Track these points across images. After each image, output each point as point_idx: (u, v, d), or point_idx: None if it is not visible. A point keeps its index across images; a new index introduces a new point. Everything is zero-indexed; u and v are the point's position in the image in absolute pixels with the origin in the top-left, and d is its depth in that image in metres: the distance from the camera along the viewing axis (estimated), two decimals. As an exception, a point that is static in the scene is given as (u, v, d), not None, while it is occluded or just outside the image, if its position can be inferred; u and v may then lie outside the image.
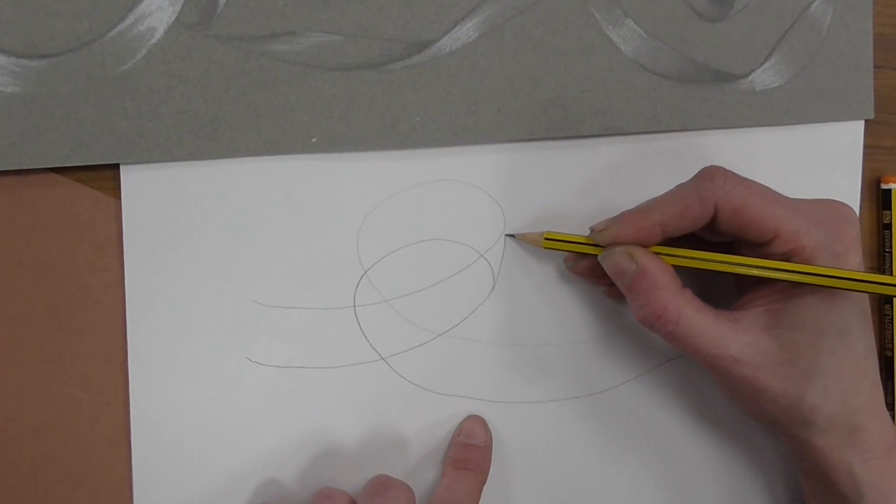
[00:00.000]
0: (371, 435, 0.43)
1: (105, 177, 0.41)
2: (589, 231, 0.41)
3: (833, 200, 0.40)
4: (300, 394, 0.43)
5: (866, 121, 0.46)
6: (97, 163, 0.40)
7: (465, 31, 0.42)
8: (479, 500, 0.42)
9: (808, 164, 0.46)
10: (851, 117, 0.46)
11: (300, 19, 0.41)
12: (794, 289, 0.38)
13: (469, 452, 0.43)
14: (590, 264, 0.42)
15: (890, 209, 0.46)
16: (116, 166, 0.41)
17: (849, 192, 0.46)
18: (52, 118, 0.39)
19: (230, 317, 0.42)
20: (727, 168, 0.39)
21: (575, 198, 0.44)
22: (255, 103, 0.41)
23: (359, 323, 0.43)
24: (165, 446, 0.42)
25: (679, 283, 0.39)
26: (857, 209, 0.46)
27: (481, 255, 0.44)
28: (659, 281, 0.38)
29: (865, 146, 0.46)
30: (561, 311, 0.44)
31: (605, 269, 0.40)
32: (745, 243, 0.39)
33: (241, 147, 0.41)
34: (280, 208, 0.42)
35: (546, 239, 0.42)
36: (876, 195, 0.47)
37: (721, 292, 0.43)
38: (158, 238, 0.41)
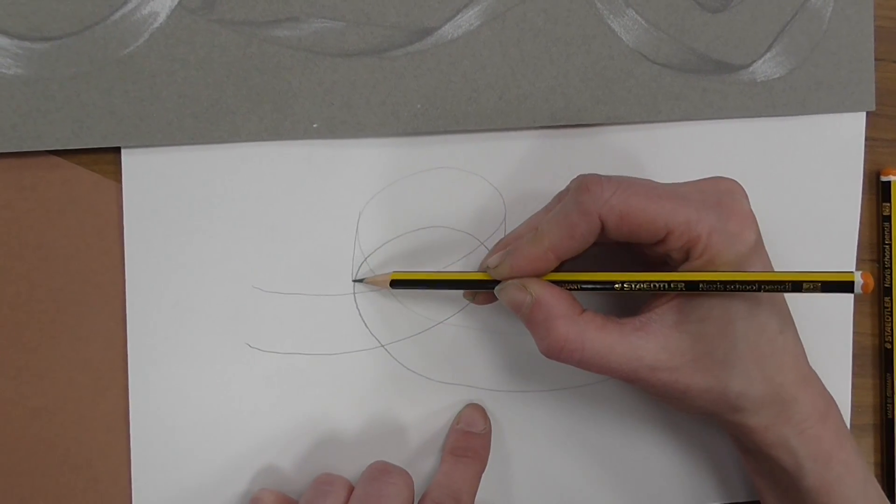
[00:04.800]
0: (370, 422, 0.43)
1: (106, 160, 0.41)
2: (483, 268, 0.40)
3: (719, 178, 0.39)
4: (299, 380, 0.43)
5: (867, 113, 0.46)
6: (98, 146, 0.40)
7: (467, 19, 0.42)
8: (477, 488, 0.42)
9: (809, 156, 0.46)
10: (852, 109, 0.46)
11: (302, 5, 0.41)
12: None
13: (468, 440, 0.43)
14: (489, 295, 0.41)
15: (889, 201, 0.46)
16: (118, 150, 0.41)
17: (849, 183, 0.46)
18: (54, 101, 0.40)
19: (230, 302, 0.42)
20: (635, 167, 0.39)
21: (575, 186, 0.44)
22: (256, 88, 0.41)
23: (358, 310, 0.43)
24: (164, 431, 0.42)
25: (578, 309, 0.38)
26: (858, 200, 0.46)
27: (481, 244, 0.44)
28: (555, 310, 0.37)
29: (866, 138, 0.46)
30: (561, 300, 0.44)
31: (503, 303, 0.39)
32: (642, 245, 0.38)
33: (242, 132, 0.41)
34: (281, 194, 0.42)
35: (393, 280, 0.41)
36: (876, 187, 0.47)
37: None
38: (159, 222, 0.41)
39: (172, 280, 0.42)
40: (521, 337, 0.44)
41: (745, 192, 0.39)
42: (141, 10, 0.40)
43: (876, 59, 0.46)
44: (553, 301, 0.37)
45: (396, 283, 0.41)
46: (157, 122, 0.40)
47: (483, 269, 0.40)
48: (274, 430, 0.43)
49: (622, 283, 0.37)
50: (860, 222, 0.47)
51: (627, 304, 0.44)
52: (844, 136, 0.46)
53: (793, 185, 0.46)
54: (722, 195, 0.38)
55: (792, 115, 0.45)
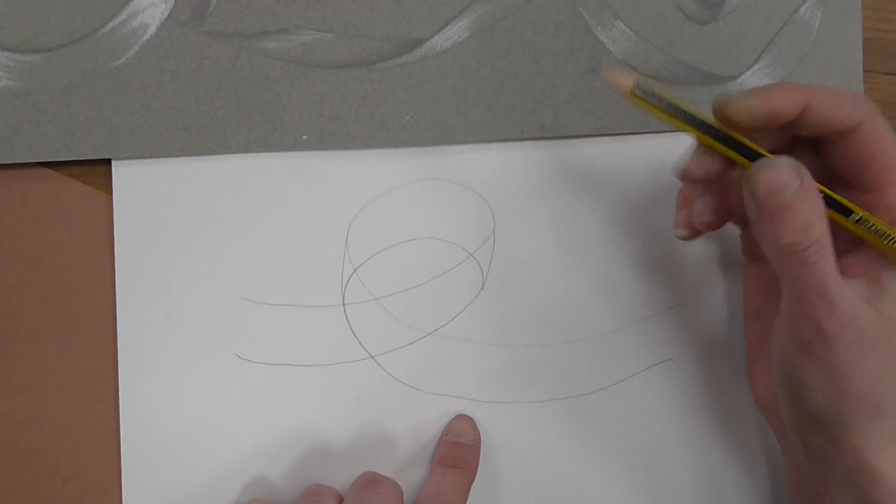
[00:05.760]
0: (359, 433, 0.43)
1: (97, 172, 0.41)
2: (715, 107, 0.35)
3: None
4: (289, 391, 0.43)
5: (856, 124, 0.46)
6: (89, 157, 0.40)
7: (456, 31, 0.43)
8: (467, 498, 0.42)
9: (798, 167, 0.46)
10: (841, 120, 0.46)
11: (292, 17, 0.41)
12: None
13: (457, 451, 0.43)
14: (713, 168, 0.36)
15: (880, 212, 0.46)
16: (108, 161, 0.41)
17: (838, 194, 0.46)
18: (44, 112, 0.40)
19: (220, 313, 0.42)
20: None
21: (564, 197, 0.44)
22: (246, 100, 0.41)
23: (348, 321, 0.43)
24: (155, 442, 0.42)
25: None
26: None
27: (470, 255, 0.44)
28: (821, 205, 0.33)
29: (855, 149, 0.46)
30: (550, 311, 0.44)
31: (754, 181, 0.34)
32: (852, 183, 0.36)
33: (231, 144, 0.41)
34: (271, 205, 0.42)
35: (634, 90, 0.35)
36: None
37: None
38: (149, 233, 0.41)
39: (163, 291, 0.42)
40: (510, 348, 0.44)
41: None
42: (131, 23, 0.40)
43: (864, 71, 0.46)
44: (819, 197, 0.34)
45: (638, 92, 0.35)
46: (148, 133, 0.41)
47: (717, 108, 0.35)
48: (264, 440, 0.43)
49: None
50: (850, 233, 0.47)
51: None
52: (833, 146, 0.46)
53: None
54: None
55: (781, 126, 0.46)
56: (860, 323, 0.34)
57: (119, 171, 0.41)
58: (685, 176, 0.37)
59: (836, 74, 0.46)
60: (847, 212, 0.35)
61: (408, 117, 0.42)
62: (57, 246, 0.41)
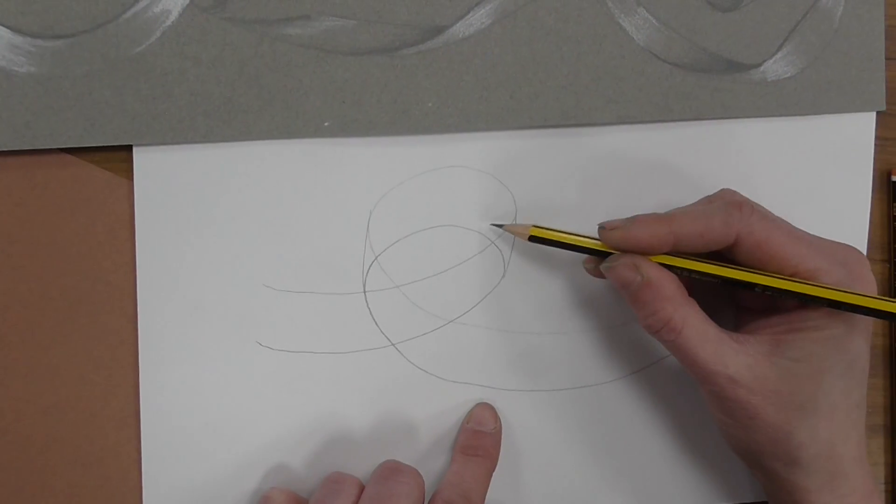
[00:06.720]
0: (380, 421, 0.43)
1: (118, 158, 0.41)
2: (598, 228, 0.40)
3: (847, 245, 0.40)
4: (310, 379, 0.43)
5: (878, 113, 0.46)
6: (110, 144, 0.40)
7: (479, 18, 0.42)
8: (487, 487, 0.42)
9: (819, 155, 0.46)
10: (863, 109, 0.46)
11: (314, 3, 0.41)
12: (802, 322, 0.38)
13: (478, 439, 0.43)
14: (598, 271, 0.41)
15: (901, 201, 0.46)
16: (129, 148, 0.41)
17: (859, 183, 0.46)
18: (66, 98, 0.40)
19: (241, 300, 0.42)
20: (743, 194, 0.40)
21: (586, 185, 0.44)
22: (268, 86, 0.41)
23: (369, 308, 0.43)
24: (175, 429, 0.42)
25: (684, 293, 0.38)
26: (868, 200, 0.46)
27: (492, 242, 0.44)
28: (664, 292, 0.38)
29: (877, 138, 0.46)
30: (571, 299, 0.44)
31: (609, 279, 0.39)
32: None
33: (253, 130, 0.41)
34: (292, 192, 0.42)
35: (532, 235, 0.41)
36: (886, 187, 0.47)
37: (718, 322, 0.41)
38: (170, 220, 0.41)
39: (183, 278, 0.42)
40: (531, 336, 0.44)
41: (868, 264, 0.40)
42: (153, 9, 0.40)
43: (887, 59, 0.46)
44: (663, 283, 0.38)
45: (535, 239, 0.41)
46: (169, 120, 0.40)
47: (599, 232, 0.40)
48: (284, 428, 0.43)
49: (762, 286, 0.38)
50: (870, 222, 0.46)
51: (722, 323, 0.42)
52: (854, 135, 0.46)
53: (803, 184, 0.46)
54: (851, 259, 0.39)
55: (802, 114, 0.45)
56: (757, 373, 0.38)
57: (140, 157, 0.41)
58: (588, 271, 0.42)
59: (858, 63, 0.45)
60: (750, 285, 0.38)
61: (430, 104, 0.42)
62: (78, 232, 0.41)
